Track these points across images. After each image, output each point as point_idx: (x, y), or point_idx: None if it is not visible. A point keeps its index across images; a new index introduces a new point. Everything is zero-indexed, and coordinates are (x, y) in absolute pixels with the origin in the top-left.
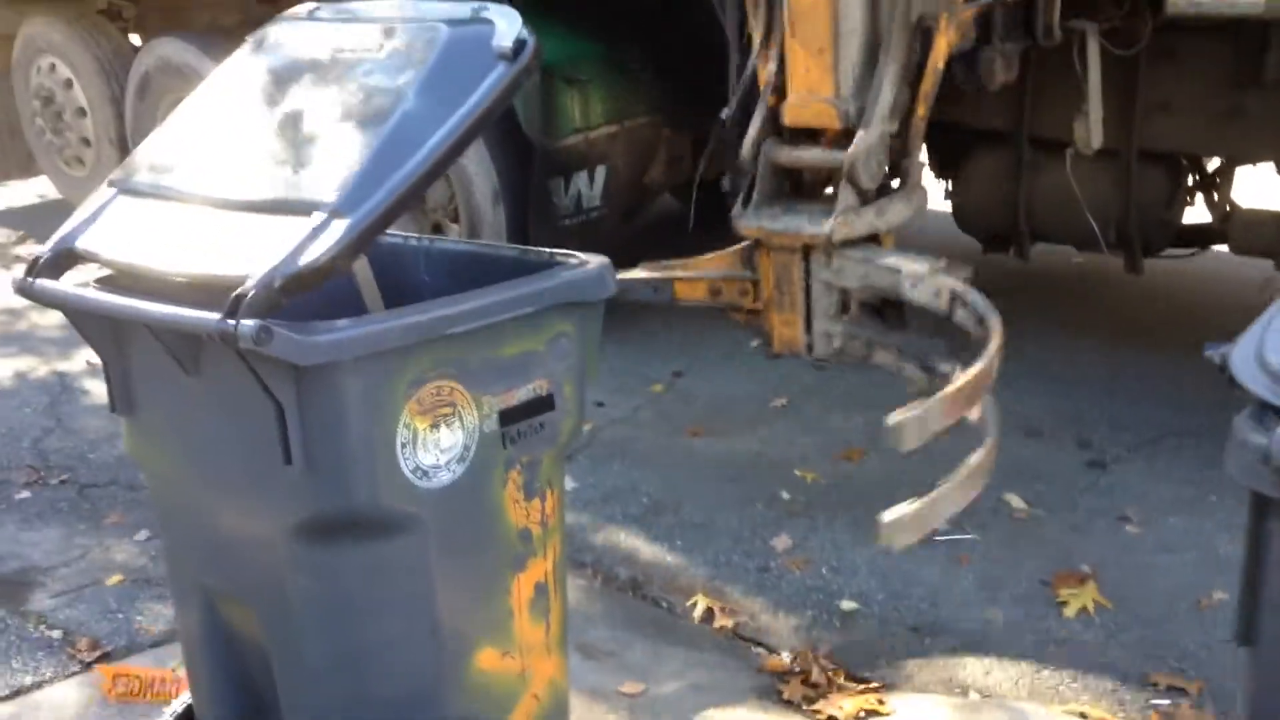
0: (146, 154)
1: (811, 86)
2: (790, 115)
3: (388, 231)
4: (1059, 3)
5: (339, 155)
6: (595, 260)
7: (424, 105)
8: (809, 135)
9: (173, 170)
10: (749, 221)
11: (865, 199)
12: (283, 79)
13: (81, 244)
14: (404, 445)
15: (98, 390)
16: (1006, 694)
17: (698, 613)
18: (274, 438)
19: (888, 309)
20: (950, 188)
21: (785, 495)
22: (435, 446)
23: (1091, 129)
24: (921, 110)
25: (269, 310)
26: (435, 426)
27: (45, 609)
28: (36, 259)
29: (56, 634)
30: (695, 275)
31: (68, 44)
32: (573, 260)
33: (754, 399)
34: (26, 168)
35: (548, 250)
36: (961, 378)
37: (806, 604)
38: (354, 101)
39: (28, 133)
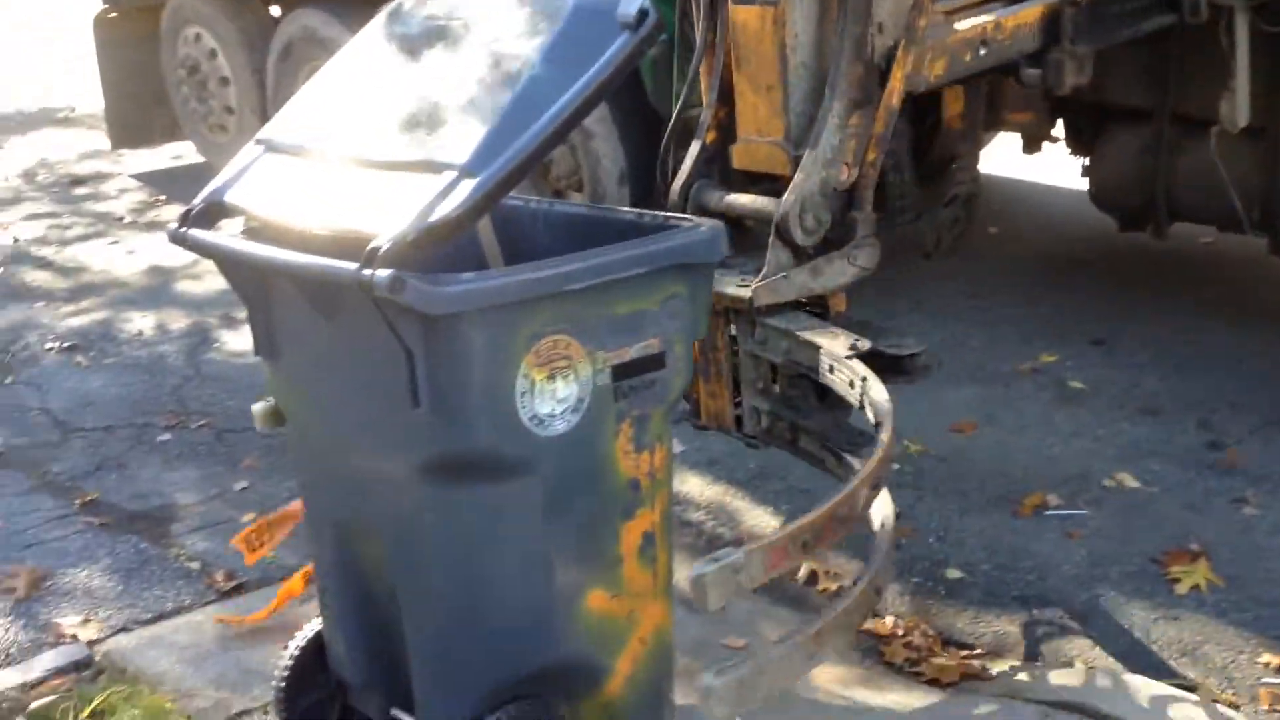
0: (290, 114)
1: (760, 127)
2: (739, 158)
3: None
4: None
5: (468, 118)
6: (708, 224)
7: (549, 71)
8: (759, 179)
9: (314, 130)
10: None
11: (800, 257)
12: (416, 45)
13: (230, 197)
14: (522, 394)
15: (234, 343)
16: (1113, 666)
17: (802, 575)
18: (404, 382)
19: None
20: (1086, 165)
21: (894, 465)
22: (551, 397)
23: (1238, 106)
24: (873, 155)
25: (401, 262)
26: (551, 378)
27: (185, 543)
28: (189, 210)
29: (195, 565)
30: None
31: (213, 15)
32: (686, 224)
33: None
34: (170, 133)
35: (662, 214)
36: (796, 522)
37: (912, 571)
38: (483, 67)
39: (173, 99)
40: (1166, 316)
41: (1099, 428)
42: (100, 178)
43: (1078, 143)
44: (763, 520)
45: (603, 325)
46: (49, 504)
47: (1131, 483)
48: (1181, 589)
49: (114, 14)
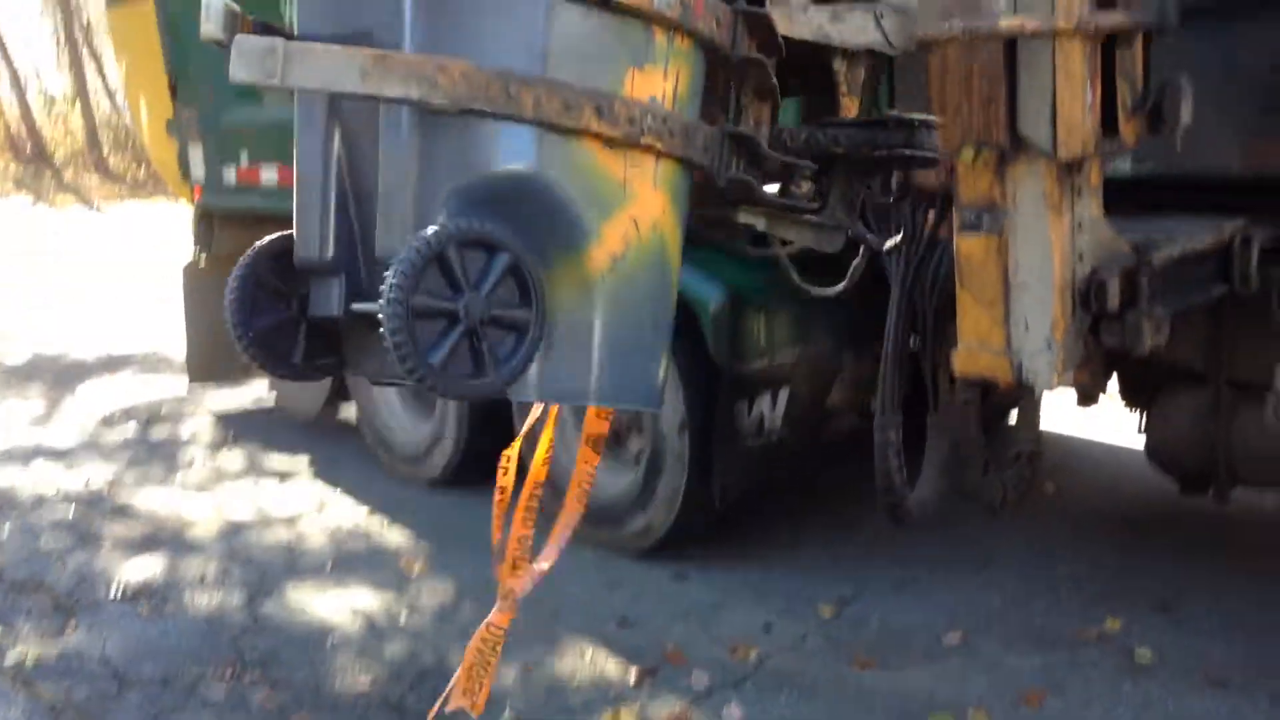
0: None
1: (983, 337)
2: (961, 363)
3: None
4: (1256, 251)
5: None
6: None
7: None
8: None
9: None
10: None
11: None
12: None
13: None
14: None
15: (295, 593)
16: None
17: None
18: None
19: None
20: (1143, 423)
21: None
22: None
23: None
24: None
25: None
26: None
27: None
28: None
29: None
30: None
31: None
32: None
33: (927, 630)
34: (246, 370)
35: None
36: None
37: None
38: None
39: None
40: (1233, 582)
41: (1168, 699)
42: (174, 419)
43: (1133, 399)
44: None
45: None
46: None
47: None
48: None
49: (202, 264)
